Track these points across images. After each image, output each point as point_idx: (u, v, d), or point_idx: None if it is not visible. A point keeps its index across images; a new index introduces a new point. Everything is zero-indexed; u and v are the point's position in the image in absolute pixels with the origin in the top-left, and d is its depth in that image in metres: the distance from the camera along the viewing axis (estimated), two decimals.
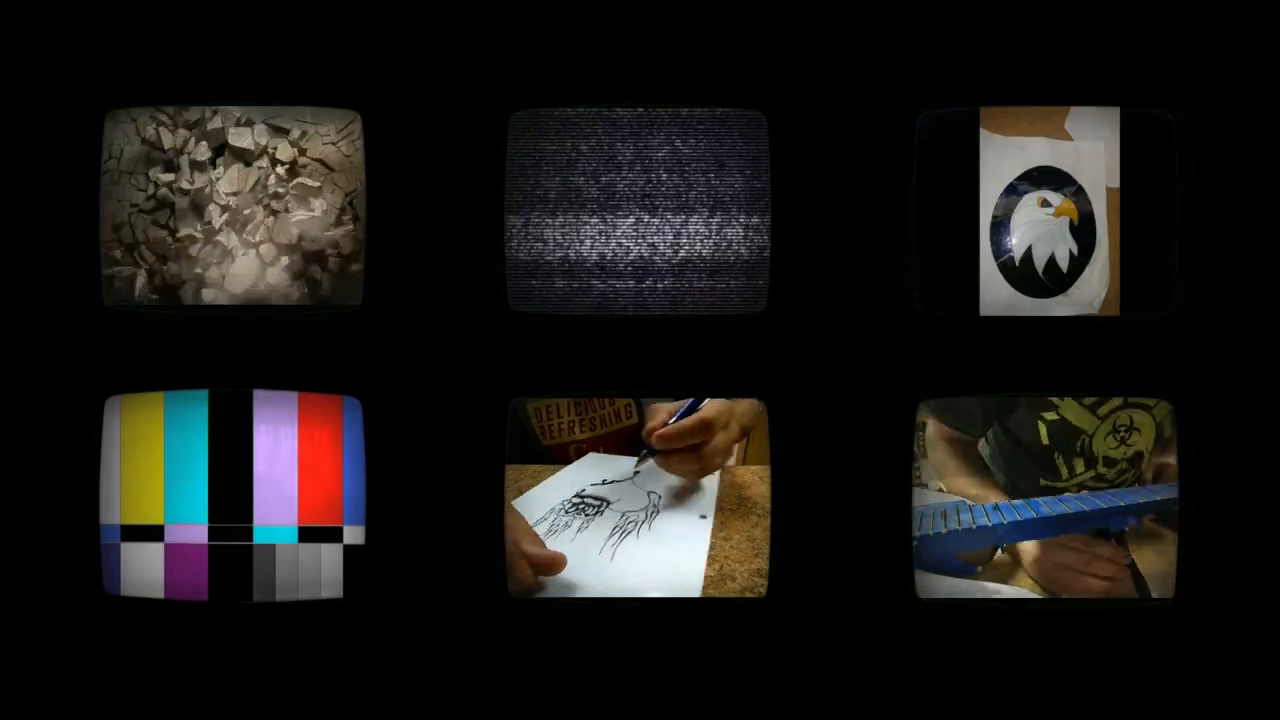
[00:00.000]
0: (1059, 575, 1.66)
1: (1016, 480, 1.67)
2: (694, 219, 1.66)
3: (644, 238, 1.66)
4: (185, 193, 1.65)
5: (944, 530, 1.66)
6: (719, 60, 1.63)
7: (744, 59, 1.63)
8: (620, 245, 1.66)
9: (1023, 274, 1.67)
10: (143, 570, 1.64)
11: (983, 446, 1.68)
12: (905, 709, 1.64)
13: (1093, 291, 1.66)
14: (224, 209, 1.65)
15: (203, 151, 1.65)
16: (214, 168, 1.65)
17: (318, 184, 1.67)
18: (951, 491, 1.67)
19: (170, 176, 1.65)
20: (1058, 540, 1.66)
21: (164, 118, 1.65)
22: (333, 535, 1.65)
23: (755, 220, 1.65)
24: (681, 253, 1.67)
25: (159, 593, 1.63)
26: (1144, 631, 1.64)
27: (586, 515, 1.73)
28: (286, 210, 1.66)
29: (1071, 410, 1.65)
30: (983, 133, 1.65)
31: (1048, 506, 1.67)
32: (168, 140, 1.65)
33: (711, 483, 1.77)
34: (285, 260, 1.67)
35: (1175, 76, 1.61)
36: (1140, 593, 1.65)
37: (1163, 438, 1.66)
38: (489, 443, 1.63)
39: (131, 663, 1.63)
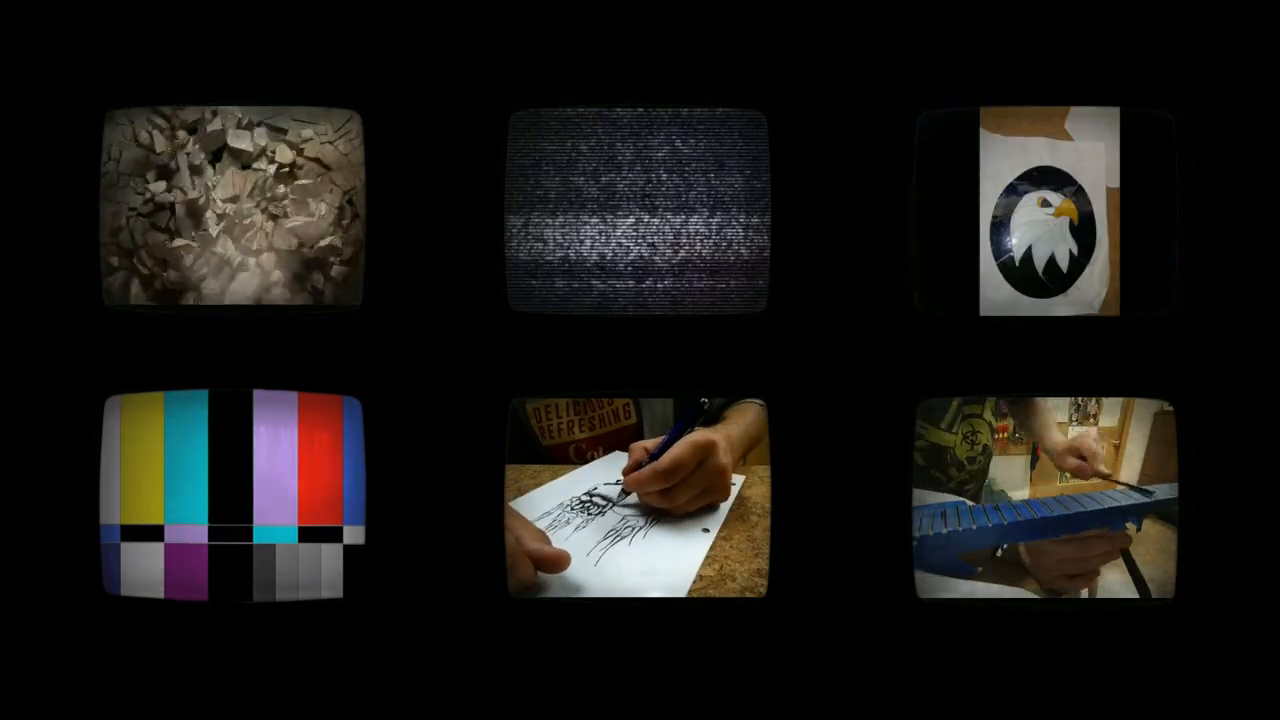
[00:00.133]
0: (1059, 575, 1.66)
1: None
2: (694, 219, 1.66)
3: (644, 238, 1.66)
4: (183, 197, 1.65)
5: (944, 530, 1.66)
6: (719, 60, 1.63)
7: (744, 59, 1.63)
8: (620, 245, 1.66)
9: (1023, 274, 1.67)
10: (143, 570, 1.64)
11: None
12: (905, 709, 1.64)
13: (1093, 291, 1.66)
14: (221, 216, 1.65)
15: (200, 155, 1.65)
16: (212, 171, 1.65)
17: (316, 186, 1.66)
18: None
19: (164, 184, 1.65)
20: (1058, 541, 1.66)
21: (161, 121, 1.65)
22: (333, 535, 1.64)
23: (755, 220, 1.65)
24: (681, 253, 1.67)
25: (159, 593, 1.63)
26: (1144, 631, 1.64)
27: (589, 514, 1.73)
28: (285, 215, 1.66)
29: (934, 435, 1.66)
30: (983, 133, 1.65)
31: (1048, 507, 1.67)
32: (165, 145, 1.65)
33: (726, 503, 1.76)
34: (285, 266, 1.67)
35: (1175, 76, 1.61)
36: (1140, 593, 1.65)
37: (994, 427, 1.68)
38: (489, 443, 1.63)
39: (131, 663, 1.63)
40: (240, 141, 1.65)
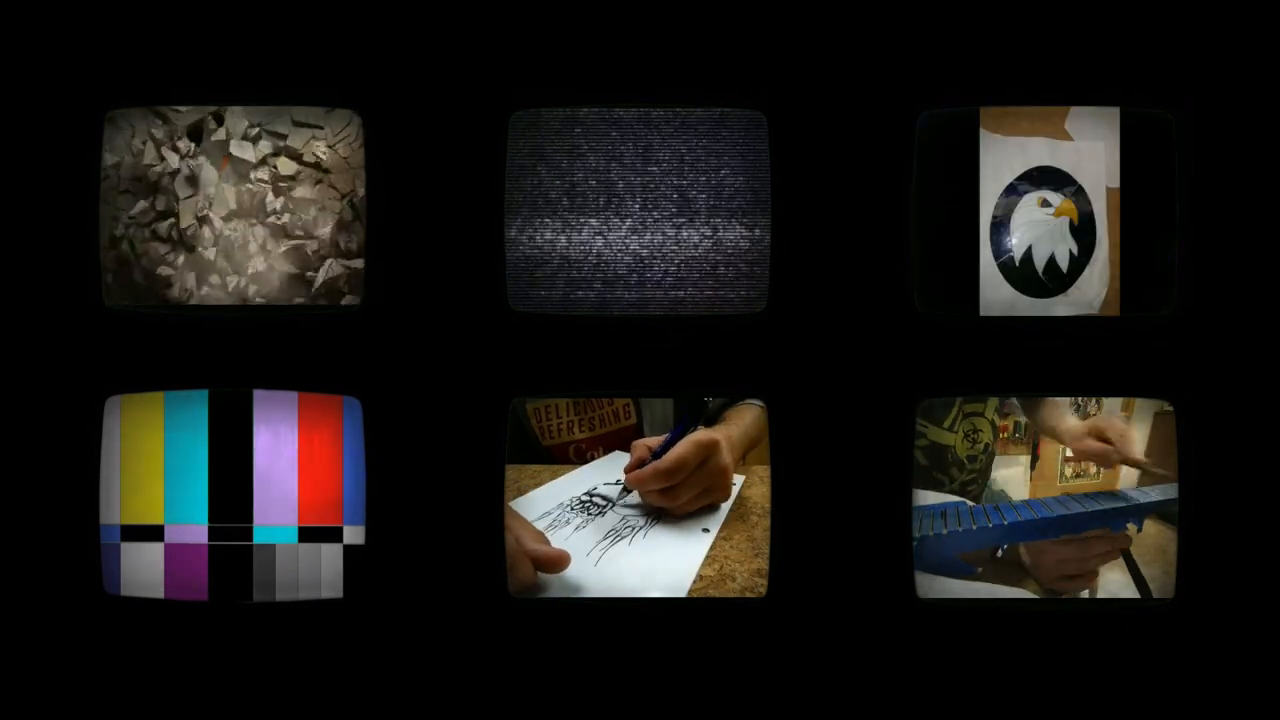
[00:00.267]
0: (1059, 576, 1.66)
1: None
2: (694, 219, 1.66)
3: (644, 238, 1.66)
4: (180, 208, 1.65)
5: (944, 530, 1.66)
6: (719, 60, 1.63)
7: (744, 59, 1.63)
8: (620, 245, 1.67)
9: (1023, 274, 1.67)
10: (143, 570, 1.64)
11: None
12: (905, 709, 1.64)
13: (1093, 291, 1.66)
14: (218, 235, 1.65)
15: (201, 167, 1.65)
16: (213, 181, 1.65)
17: (316, 194, 1.66)
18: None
19: (165, 198, 1.65)
20: (1058, 541, 1.66)
21: (160, 131, 1.64)
22: (333, 535, 1.65)
23: (755, 220, 1.65)
24: (681, 253, 1.67)
25: (159, 593, 1.63)
26: (1144, 631, 1.64)
27: (589, 514, 1.73)
28: (284, 224, 1.66)
29: (935, 434, 1.66)
30: (983, 133, 1.65)
31: (1048, 507, 1.67)
32: (168, 154, 1.65)
33: (726, 503, 1.77)
34: (285, 271, 1.67)
35: (1175, 76, 1.61)
36: (1140, 593, 1.65)
37: (996, 426, 1.68)
38: (489, 443, 1.63)
39: (131, 663, 1.63)
40: (243, 152, 1.65)
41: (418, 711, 1.64)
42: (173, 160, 1.65)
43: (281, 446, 1.64)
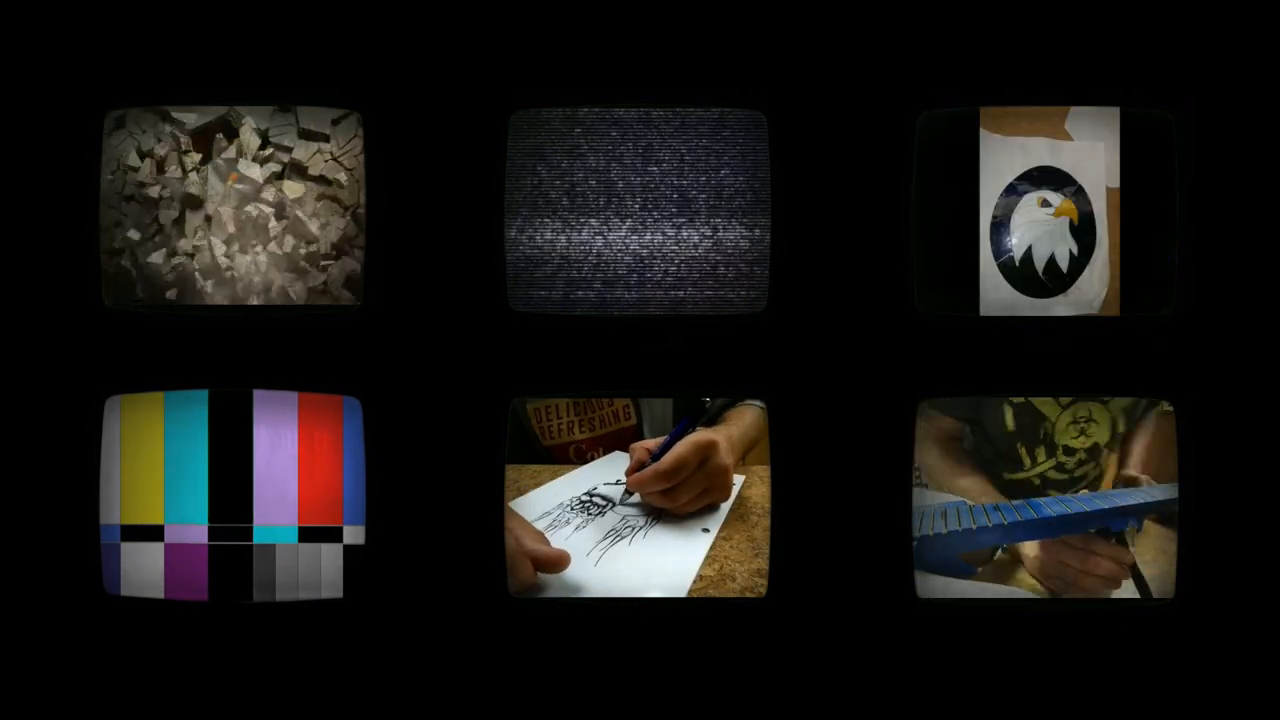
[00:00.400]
0: (1059, 576, 1.66)
1: (988, 473, 1.67)
2: (694, 219, 1.66)
3: (644, 238, 1.66)
4: (190, 206, 1.65)
5: (944, 530, 1.66)
6: (719, 60, 1.63)
7: (744, 59, 1.63)
8: (620, 245, 1.67)
9: (1023, 274, 1.67)
10: (143, 570, 1.64)
11: (965, 436, 1.68)
12: (905, 709, 1.64)
13: (1093, 291, 1.66)
14: (224, 234, 1.65)
15: (209, 175, 1.65)
16: (217, 193, 1.65)
17: (320, 209, 1.66)
18: (949, 491, 1.67)
19: (169, 213, 1.65)
20: (1058, 541, 1.66)
21: (165, 144, 1.64)
22: (333, 535, 1.64)
23: (755, 220, 1.65)
24: (681, 253, 1.67)
25: (159, 593, 1.63)
26: (1144, 631, 1.64)
27: (589, 514, 1.73)
28: (287, 237, 1.66)
29: (1037, 400, 1.65)
30: (983, 133, 1.65)
31: (1048, 507, 1.67)
32: (171, 162, 1.65)
33: (726, 503, 1.77)
34: (285, 275, 1.67)
35: (1175, 76, 1.61)
36: (1140, 593, 1.65)
37: (1117, 432, 1.66)
38: (489, 443, 1.63)
39: (131, 663, 1.63)
40: (250, 171, 1.65)
41: (418, 711, 1.64)
42: (176, 174, 1.65)
43: (281, 446, 1.64)
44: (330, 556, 1.65)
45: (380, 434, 1.62)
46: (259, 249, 1.65)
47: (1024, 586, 1.67)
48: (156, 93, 1.63)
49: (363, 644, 1.64)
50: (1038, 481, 1.66)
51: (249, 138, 1.64)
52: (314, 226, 1.65)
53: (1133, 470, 1.65)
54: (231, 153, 1.65)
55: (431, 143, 1.62)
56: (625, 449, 1.76)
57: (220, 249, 1.65)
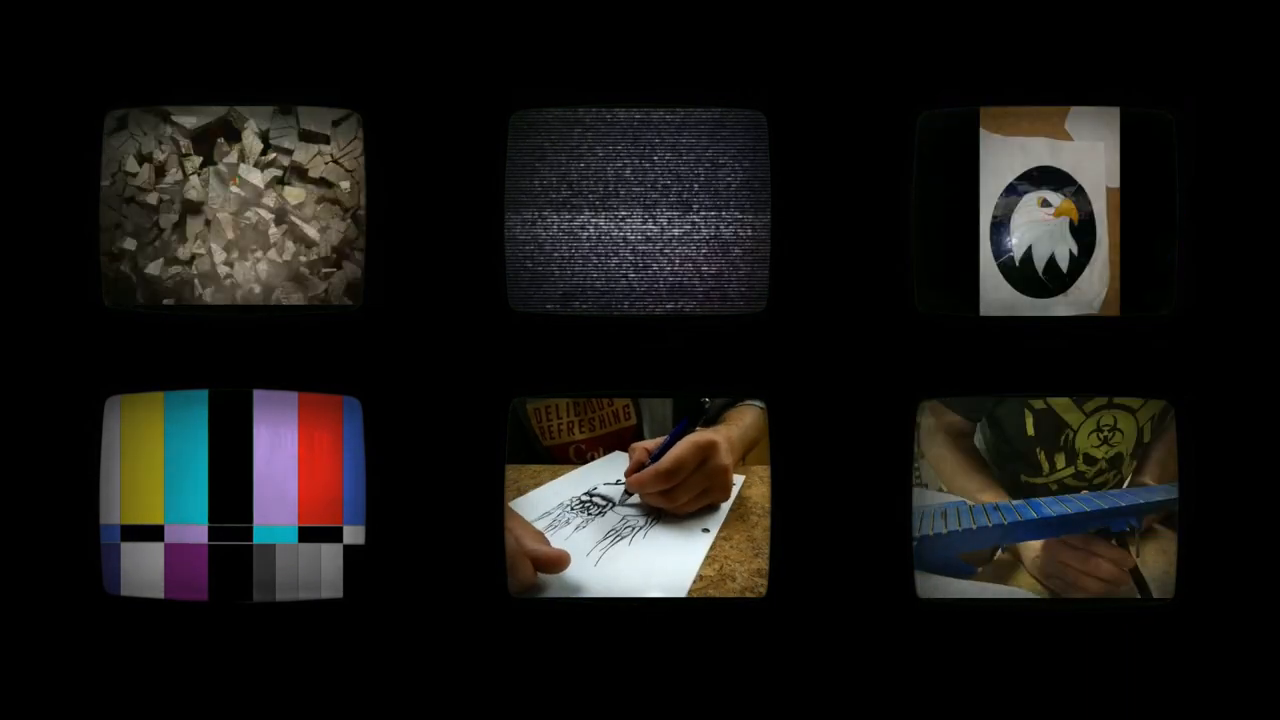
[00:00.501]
0: (1059, 576, 1.66)
1: (1002, 475, 1.67)
2: (694, 218, 1.66)
3: (644, 238, 1.66)
4: (190, 211, 1.65)
5: (944, 530, 1.66)
6: (719, 60, 1.63)
7: (744, 59, 1.63)
8: (620, 245, 1.67)
9: (1023, 274, 1.67)
10: (143, 570, 1.64)
11: (978, 437, 1.68)
12: (905, 709, 1.64)
13: (1093, 291, 1.66)
14: (223, 240, 1.65)
15: (210, 179, 1.65)
16: (218, 195, 1.65)
17: (320, 212, 1.66)
18: (951, 490, 1.67)
19: (169, 217, 1.65)
20: (1058, 541, 1.66)
21: (166, 147, 1.64)
22: (333, 535, 1.64)
23: (755, 220, 1.65)
24: (681, 253, 1.67)
25: (159, 593, 1.63)
26: (1144, 631, 1.64)
27: (589, 514, 1.73)
28: (287, 236, 1.66)
29: (1059, 402, 1.65)
30: (983, 133, 1.65)
31: (1048, 507, 1.67)
32: (171, 165, 1.65)
33: (726, 503, 1.77)
34: (285, 285, 1.67)
35: (1175, 76, 1.61)
36: (1140, 593, 1.65)
37: (1142, 442, 1.66)
38: (489, 443, 1.63)
39: (131, 663, 1.63)
40: (251, 176, 1.65)
41: (418, 711, 1.64)
42: (176, 178, 1.65)
43: (281, 446, 1.64)
44: (330, 556, 1.65)
45: (380, 434, 1.62)
46: (259, 254, 1.65)
47: (1024, 586, 1.67)
48: (156, 93, 1.63)
49: (363, 644, 1.64)
50: (1055, 487, 1.66)
51: (251, 142, 1.64)
52: (314, 231, 1.65)
53: (1148, 478, 1.65)
54: (233, 157, 1.64)
55: (431, 142, 1.62)
56: (625, 449, 1.76)
57: (220, 255, 1.64)
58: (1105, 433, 1.66)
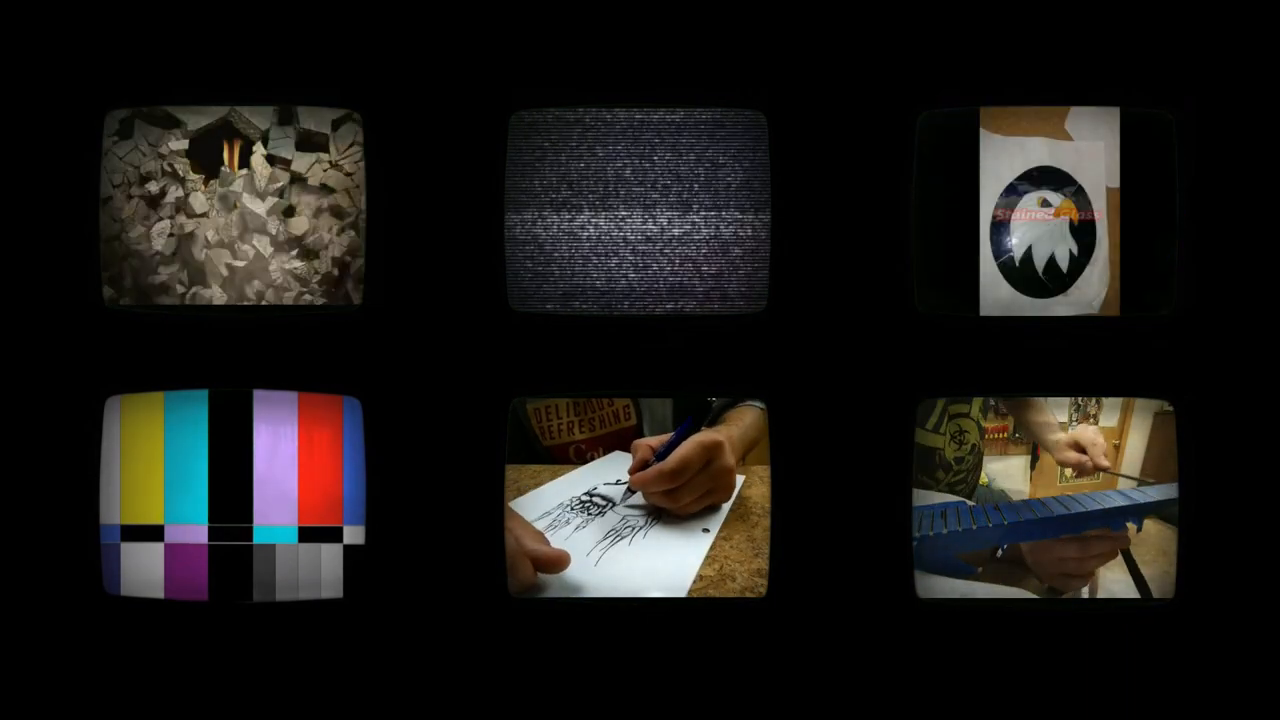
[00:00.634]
0: (1059, 575, 1.66)
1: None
2: (694, 218, 1.66)
3: (644, 238, 1.66)
4: (188, 217, 1.65)
5: (944, 530, 1.66)
6: (719, 60, 1.63)
7: (744, 59, 1.63)
8: (620, 245, 1.67)
9: (1023, 274, 1.67)
10: (143, 570, 1.64)
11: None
12: (905, 709, 1.64)
13: (1093, 291, 1.66)
14: (221, 241, 1.66)
15: (209, 184, 1.65)
16: (218, 199, 1.65)
17: (320, 222, 1.66)
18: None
19: (167, 221, 1.65)
20: (1058, 540, 1.66)
21: (169, 154, 1.64)
22: (333, 535, 1.65)
23: (755, 220, 1.65)
24: (681, 253, 1.67)
25: (159, 593, 1.63)
26: (1144, 631, 1.64)
27: (589, 514, 1.73)
28: (285, 238, 1.66)
29: (921, 436, 1.66)
30: (983, 133, 1.65)
31: (1048, 507, 1.67)
32: (171, 167, 1.65)
33: (726, 503, 1.77)
34: (283, 281, 1.67)
35: (1175, 76, 1.62)
36: (1140, 593, 1.65)
37: (982, 426, 1.68)
38: (489, 443, 1.63)
39: (131, 663, 1.63)
40: (255, 206, 1.65)
41: (418, 711, 1.64)
42: (178, 193, 1.65)
43: (281, 446, 1.64)
44: (330, 556, 1.65)
45: (380, 434, 1.62)
46: (258, 254, 1.65)
47: (1024, 586, 1.67)
48: (156, 93, 1.63)
49: (363, 644, 1.64)
50: (945, 490, 1.69)
51: (259, 165, 1.65)
52: (314, 238, 1.65)
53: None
54: (238, 186, 1.65)
55: (432, 142, 1.62)
56: (626, 449, 1.76)
57: (220, 255, 1.65)
58: (958, 438, 1.67)
